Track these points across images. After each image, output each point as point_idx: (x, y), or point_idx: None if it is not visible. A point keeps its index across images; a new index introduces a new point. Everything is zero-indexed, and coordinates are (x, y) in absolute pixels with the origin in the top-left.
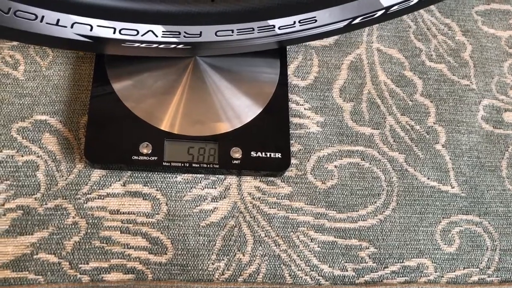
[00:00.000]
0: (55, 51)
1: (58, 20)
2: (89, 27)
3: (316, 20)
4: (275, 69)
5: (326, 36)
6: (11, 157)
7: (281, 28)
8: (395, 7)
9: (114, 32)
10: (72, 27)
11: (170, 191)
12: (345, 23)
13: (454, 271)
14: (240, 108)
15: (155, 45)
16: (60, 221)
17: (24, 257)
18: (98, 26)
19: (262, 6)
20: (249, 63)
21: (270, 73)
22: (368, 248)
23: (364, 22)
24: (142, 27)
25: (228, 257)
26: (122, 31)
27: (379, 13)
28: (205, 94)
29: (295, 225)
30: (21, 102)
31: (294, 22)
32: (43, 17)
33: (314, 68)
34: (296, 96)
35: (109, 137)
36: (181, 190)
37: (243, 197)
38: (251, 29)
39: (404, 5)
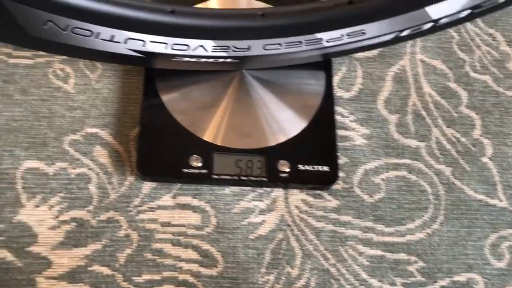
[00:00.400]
0: (104, 65)
1: (112, 36)
2: (142, 43)
3: (364, 33)
4: (320, 81)
5: (373, 48)
6: (64, 169)
7: (328, 41)
8: (444, 19)
9: (166, 48)
10: (125, 42)
11: (218, 204)
12: (393, 35)
13: (505, 287)
14: (286, 121)
15: (204, 60)
16: (112, 234)
17: (79, 269)
18: (151, 41)
19: (311, 20)
20: (295, 75)
21: (315, 85)
22: (417, 262)
23: (412, 34)
24: (193, 42)
25: (277, 270)
26: (174, 46)
27: (428, 25)
28: (251, 107)
29: (343, 239)
30: (72, 115)
31: (342, 35)
32: (98, 33)
33: (358, 79)
34: (341, 108)
35: (160, 150)
36: (229, 202)
37: (290, 210)
38: (299, 43)
39: (453, 17)
